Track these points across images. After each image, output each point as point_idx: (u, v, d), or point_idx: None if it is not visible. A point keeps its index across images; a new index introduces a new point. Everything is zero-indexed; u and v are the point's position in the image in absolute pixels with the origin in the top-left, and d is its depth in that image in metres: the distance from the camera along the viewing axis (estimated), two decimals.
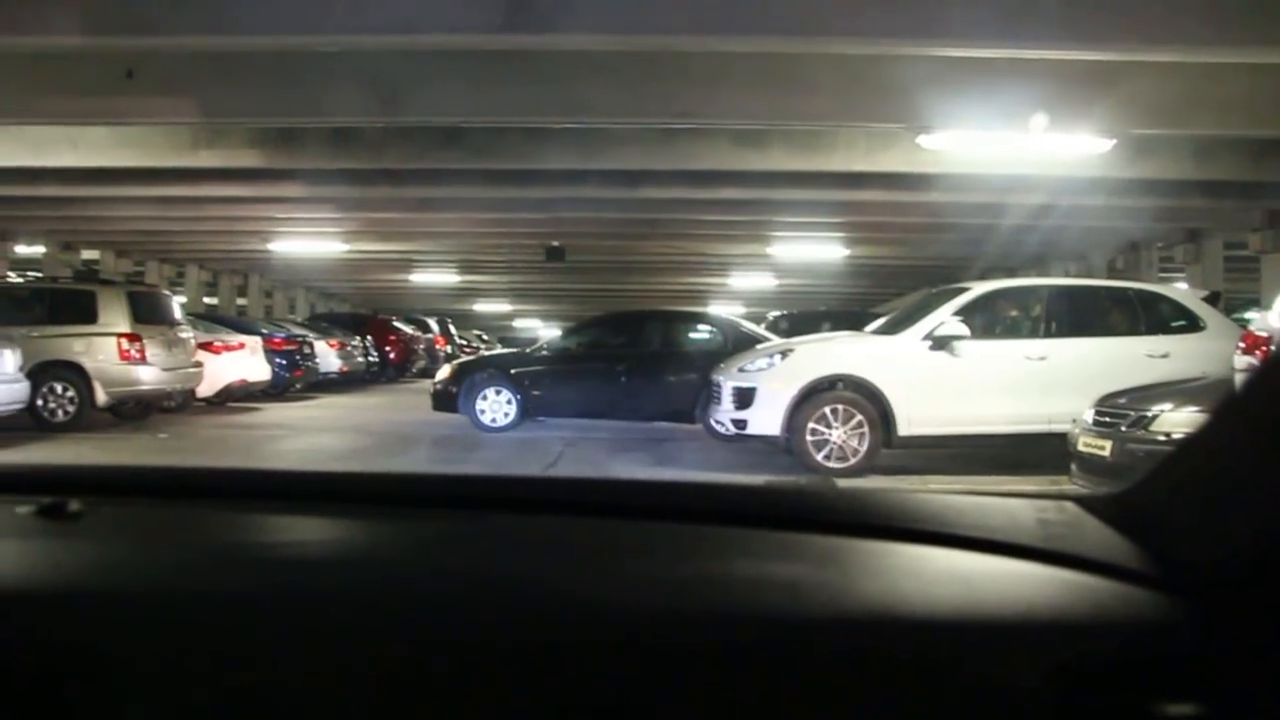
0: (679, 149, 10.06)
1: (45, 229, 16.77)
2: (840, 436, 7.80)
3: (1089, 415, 6.61)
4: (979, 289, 8.56)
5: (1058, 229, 13.90)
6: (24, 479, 1.06)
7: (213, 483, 1.08)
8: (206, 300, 22.43)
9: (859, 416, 7.76)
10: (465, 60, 7.32)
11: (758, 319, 21.82)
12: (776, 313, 20.26)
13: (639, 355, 10.78)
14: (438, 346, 23.18)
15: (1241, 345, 5.63)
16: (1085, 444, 6.52)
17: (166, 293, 12.84)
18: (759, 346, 9.29)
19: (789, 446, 7.89)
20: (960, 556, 0.80)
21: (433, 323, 23.94)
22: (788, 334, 18.40)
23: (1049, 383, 7.53)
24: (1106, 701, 0.64)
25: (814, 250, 17.59)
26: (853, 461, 7.76)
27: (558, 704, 0.64)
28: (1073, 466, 6.72)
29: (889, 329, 8.51)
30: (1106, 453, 6.25)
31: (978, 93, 6.87)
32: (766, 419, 7.94)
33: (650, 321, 11.66)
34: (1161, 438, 5.94)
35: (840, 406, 7.84)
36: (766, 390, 8.00)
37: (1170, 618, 0.69)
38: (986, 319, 8.24)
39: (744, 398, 8.13)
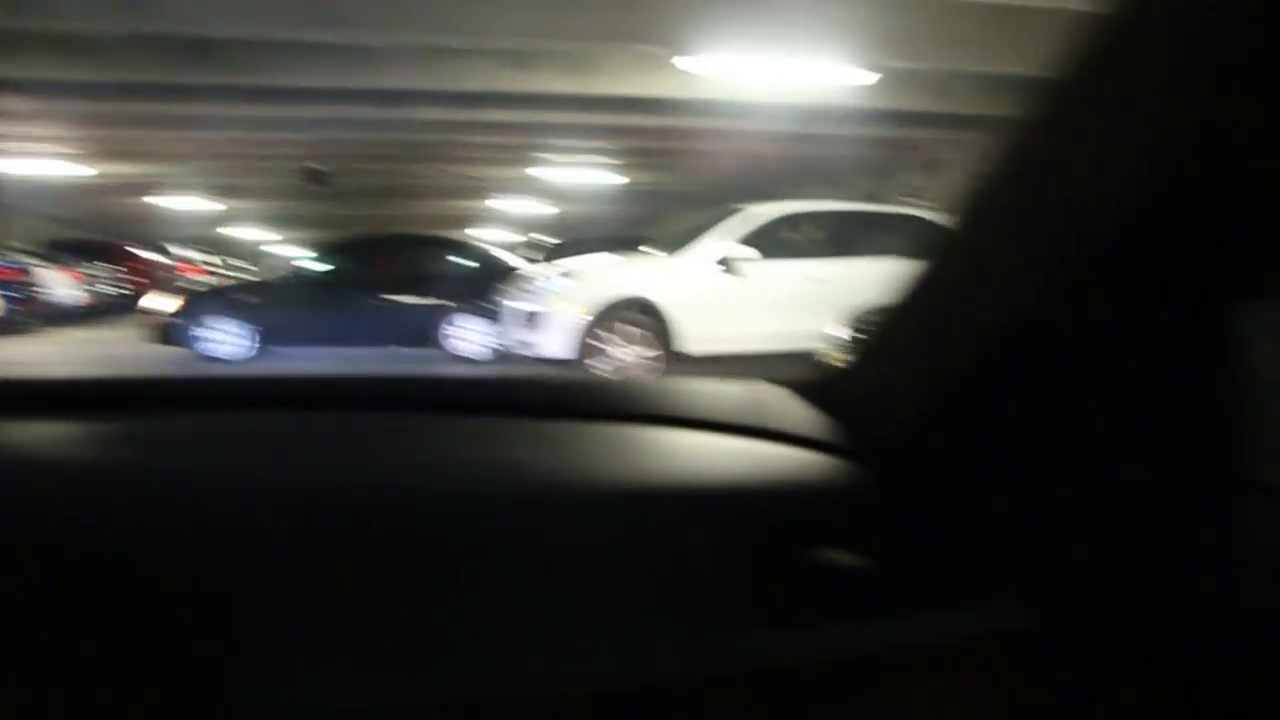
0: (446, 69, 9.81)
1: None
2: (627, 356, 7.86)
3: (844, 332, 6.99)
4: (763, 210, 8.71)
5: (814, 158, 14.52)
6: None
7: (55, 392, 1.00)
8: None
9: (647, 336, 7.88)
10: None
11: (535, 246, 21.79)
12: (555, 241, 20.29)
13: (381, 281, 10.46)
14: (190, 275, 21.83)
15: None
16: (839, 361, 6.88)
17: None
18: (544, 267, 9.21)
19: (575, 367, 7.87)
20: (655, 433, 0.84)
21: (189, 251, 22.47)
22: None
23: (824, 301, 7.61)
24: (772, 555, 0.70)
25: (585, 176, 17.62)
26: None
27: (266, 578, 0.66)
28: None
29: (672, 249, 8.56)
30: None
31: (739, 18, 7.05)
32: (556, 341, 7.92)
33: (395, 246, 11.35)
34: None
35: (628, 327, 7.91)
36: (556, 313, 7.97)
37: (848, 482, 0.76)
38: (770, 240, 8.38)
39: (533, 321, 8.09)
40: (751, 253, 8.10)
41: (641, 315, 7.94)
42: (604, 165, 17.09)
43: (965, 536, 0.72)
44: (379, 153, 15.55)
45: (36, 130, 13.69)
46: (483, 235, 31.84)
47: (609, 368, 7.81)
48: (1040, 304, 0.67)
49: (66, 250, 18.58)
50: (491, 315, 9.84)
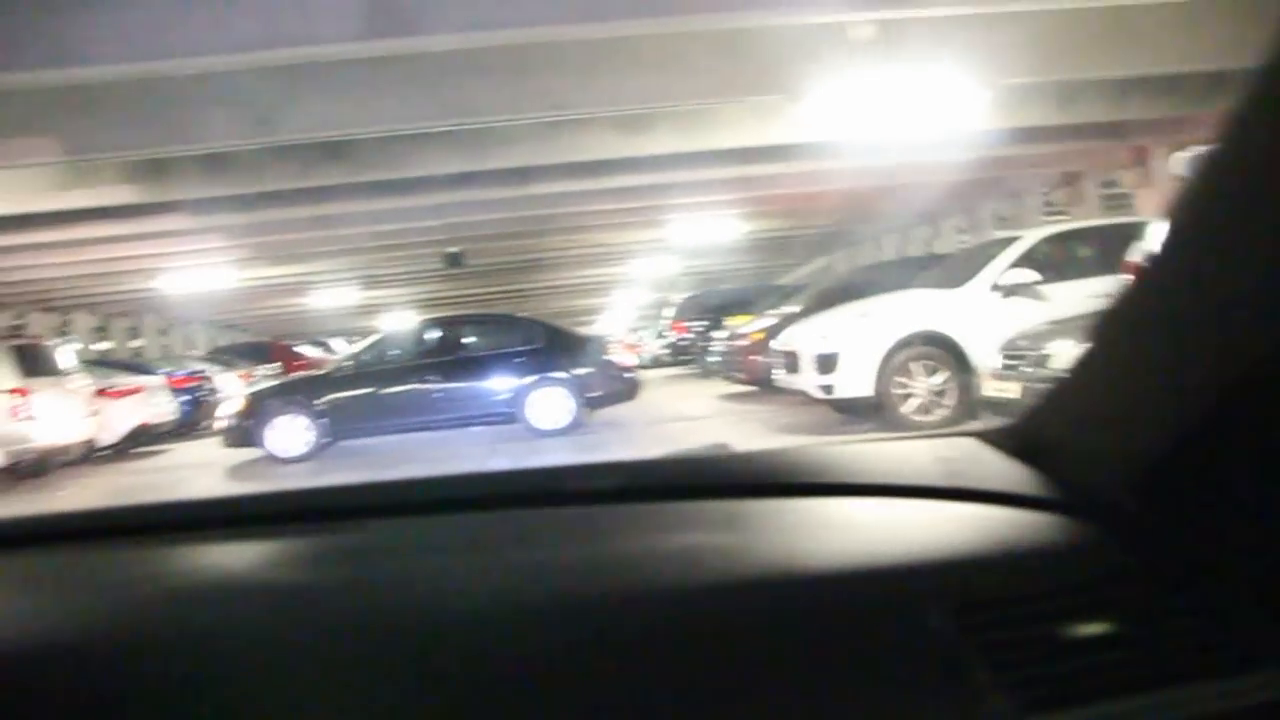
0: (564, 141, 10.03)
1: None
2: (925, 390, 8.08)
3: (997, 359, 6.78)
4: (1032, 235, 8.87)
5: (943, 185, 14.22)
6: None
7: (119, 520, 1.02)
8: (100, 345, 21.67)
9: (941, 370, 8.07)
10: (337, 71, 7.16)
11: (666, 304, 21.94)
12: (683, 295, 20.44)
13: (446, 363, 10.51)
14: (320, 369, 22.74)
15: (1125, 275, 5.82)
16: (995, 388, 6.68)
17: (52, 342, 12.35)
18: (832, 311, 9.19)
19: (877, 405, 8.12)
20: (858, 504, 0.79)
21: (337, 344, 23.54)
22: (698, 318, 18.59)
23: None
24: (1017, 632, 0.63)
25: (712, 230, 17.70)
26: (939, 414, 8.02)
27: (467, 694, 0.62)
28: (982, 412, 6.91)
29: (947, 282, 8.70)
30: (1017, 394, 6.40)
31: (850, 56, 6.97)
32: (854, 380, 8.19)
33: (454, 327, 11.39)
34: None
35: (922, 361, 8.12)
36: (851, 352, 8.21)
37: (1073, 541, 0.69)
38: (1047, 262, 8.50)
39: (827, 363, 8.33)
40: (1034, 276, 8.16)
41: (937, 349, 8.12)
42: (730, 216, 17.12)
43: (1221, 596, 0.64)
44: (510, 229, 15.98)
45: (192, 245, 14.60)
46: (620, 300, 32.39)
47: (909, 403, 8.07)
48: None
49: (232, 354, 19.73)
50: (567, 385, 10.18)
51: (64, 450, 11.09)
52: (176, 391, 14.05)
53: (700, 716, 0.61)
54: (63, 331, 20.01)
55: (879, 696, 0.61)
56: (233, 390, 16.30)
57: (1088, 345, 0.75)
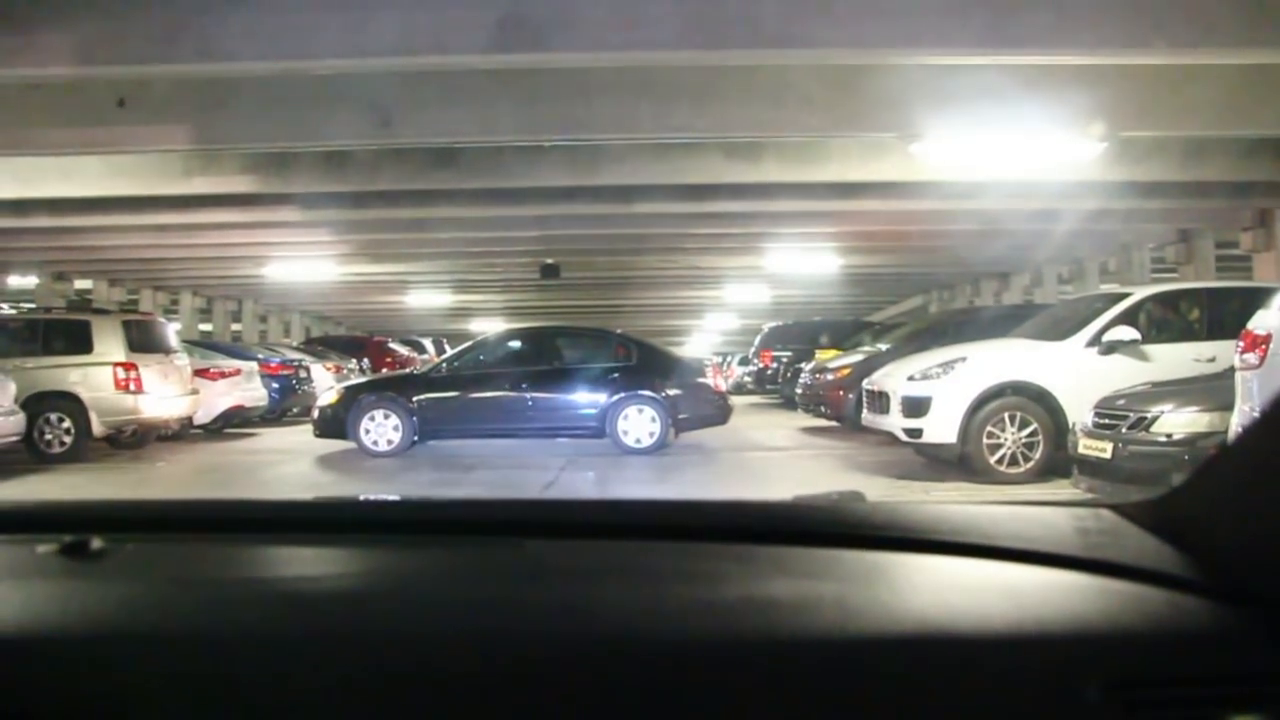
0: (672, 163, 10.08)
1: (38, 260, 16.73)
2: (1013, 442, 7.94)
3: (1089, 417, 6.63)
4: (1141, 293, 8.71)
5: (1049, 233, 13.94)
6: (43, 517, 1.04)
7: (234, 515, 1.06)
8: (201, 327, 22.39)
9: (1032, 423, 7.92)
10: (460, 80, 7.33)
11: (753, 330, 21.86)
12: (771, 324, 20.34)
13: (539, 373, 10.59)
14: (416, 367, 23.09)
15: (1240, 344, 5.64)
16: (1086, 446, 6.53)
17: (161, 320, 12.80)
18: (925, 354, 9.12)
19: (963, 453, 8.04)
20: (1004, 568, 0.79)
21: (428, 344, 23.91)
22: (783, 347, 18.46)
23: None
24: (1170, 714, 0.63)
25: (808, 260, 17.61)
26: (1026, 467, 7.89)
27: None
28: (1074, 469, 6.74)
29: (1047, 335, 8.58)
30: (1108, 454, 6.26)
31: (967, 99, 6.90)
32: (942, 426, 8.09)
33: (549, 338, 11.47)
34: (1162, 439, 5.95)
35: (1013, 413, 7.99)
36: (942, 398, 8.13)
37: (1227, 628, 0.68)
38: (1149, 322, 8.38)
39: (917, 406, 8.25)
40: (1134, 335, 8.02)
41: (1030, 401, 7.98)
42: (827, 249, 17.01)
43: None
44: (608, 246, 16.10)
45: (303, 237, 15.01)
46: (711, 323, 32.32)
47: (996, 454, 7.94)
48: None
49: (326, 345, 20.18)
50: (655, 405, 10.22)
51: (164, 424, 11.47)
52: (270, 378, 14.42)
53: None
54: (171, 310, 20.73)
55: None
56: (323, 381, 16.77)
57: (1249, 429, 0.73)
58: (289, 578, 0.89)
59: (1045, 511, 0.91)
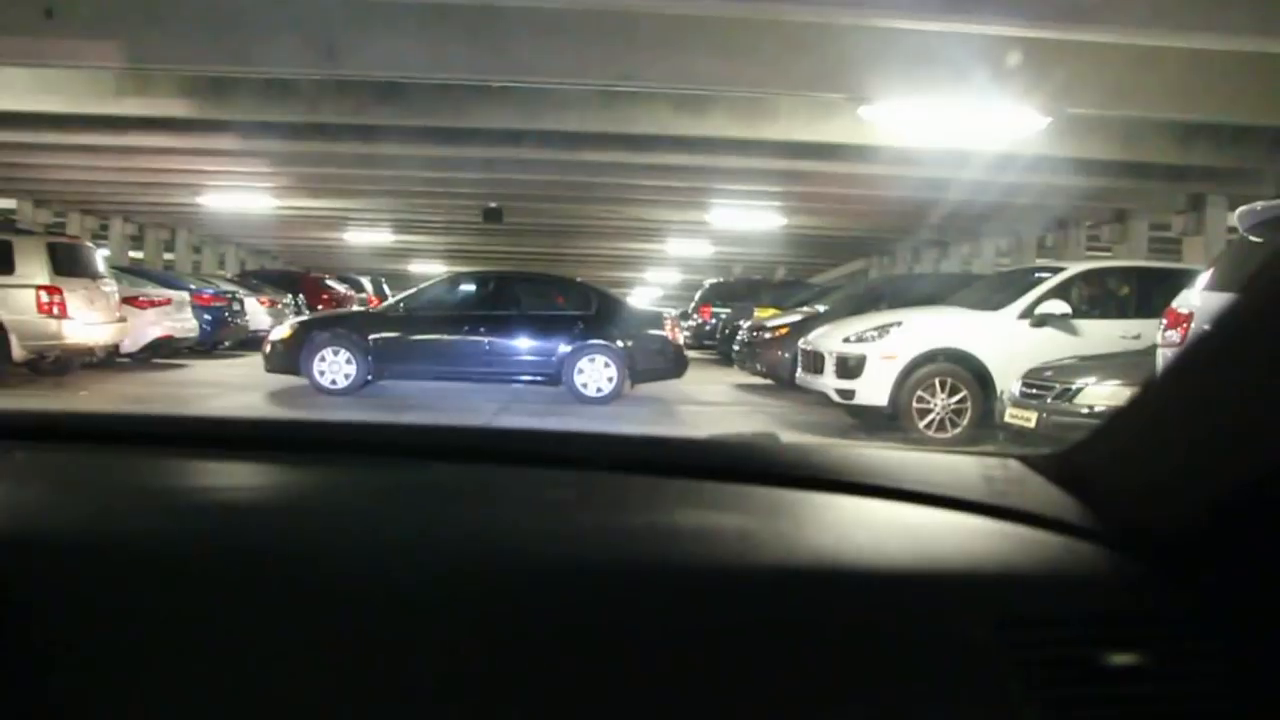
0: (620, 112, 10.00)
1: None
2: (943, 407, 8.08)
3: (1016, 387, 6.78)
4: (1074, 268, 8.90)
5: (989, 205, 14.12)
6: None
7: (132, 426, 1.04)
8: (132, 254, 21.82)
9: (962, 390, 8.07)
10: (406, 13, 7.16)
11: (694, 285, 21.94)
12: (711, 280, 20.41)
13: (498, 316, 10.52)
14: (372, 306, 22.88)
15: (1164, 322, 5.79)
16: (1012, 415, 6.69)
17: (89, 245, 12.44)
18: (861, 317, 9.20)
19: (894, 415, 8.13)
20: (908, 510, 0.80)
21: (366, 282, 23.61)
22: (722, 303, 18.56)
23: None
24: (1053, 652, 0.64)
25: (752, 218, 17.67)
26: (954, 432, 8.01)
27: (504, 654, 0.63)
28: (1000, 436, 6.91)
29: (981, 305, 8.71)
30: (1032, 424, 6.41)
31: (918, 65, 6.92)
32: (874, 389, 8.19)
33: (507, 283, 11.35)
34: (1085, 410, 6.10)
35: (944, 379, 8.12)
36: (876, 360, 8.21)
37: (1117, 572, 0.70)
38: (1081, 298, 8.55)
39: (851, 368, 8.33)
40: (1065, 309, 8.19)
41: (961, 368, 8.12)
42: (772, 209, 17.06)
43: (1261, 642, 0.65)
44: (553, 193, 15.98)
45: (240, 167, 14.66)
46: (652, 276, 32.33)
47: (926, 418, 8.08)
48: None
49: (261, 279, 19.82)
50: (613, 355, 10.22)
51: (88, 351, 11.19)
52: (201, 309, 14.14)
53: (732, 698, 0.62)
54: (99, 235, 20.16)
55: (912, 698, 0.63)
56: (257, 314, 16.50)
57: (1147, 383, 0.76)
58: (196, 489, 0.87)
59: (954, 458, 0.94)
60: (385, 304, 11.77)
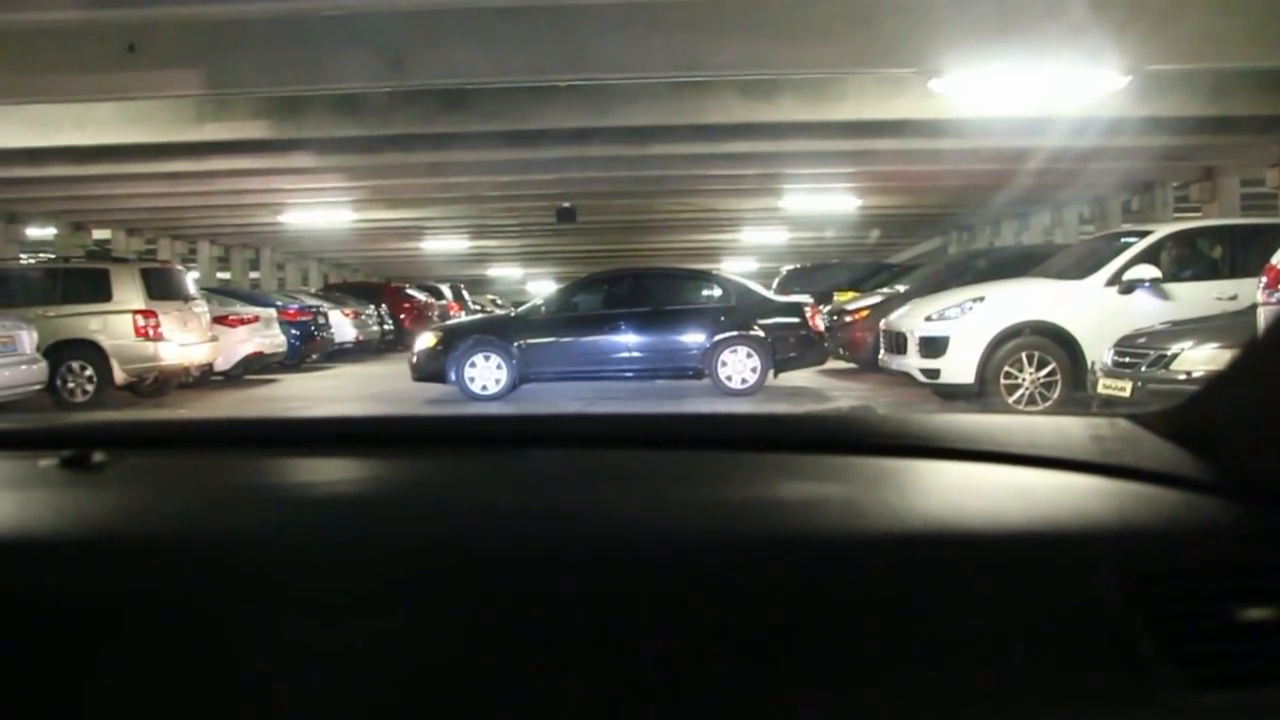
0: (687, 103, 9.97)
1: (55, 210, 16.78)
2: (1031, 381, 7.94)
3: (1108, 356, 6.58)
4: (1162, 231, 8.63)
5: (1071, 171, 13.74)
6: (45, 434, 1.05)
7: (235, 431, 1.07)
8: (220, 275, 22.47)
9: (1051, 362, 7.91)
10: (470, 20, 7.25)
11: (771, 273, 21.80)
12: (790, 266, 20.21)
13: (639, 313, 10.54)
14: (452, 313, 23.22)
15: (1263, 280, 5.57)
16: (1105, 385, 6.50)
17: (179, 268, 12.85)
18: (942, 294, 9.04)
19: (981, 393, 7.97)
20: (1016, 472, 0.79)
21: (446, 289, 23.94)
22: (804, 290, 18.43)
23: None
24: (1184, 607, 0.63)
25: (826, 202, 17.46)
26: (1044, 406, 7.86)
27: (619, 630, 0.64)
28: (1093, 408, 6.72)
29: (1066, 274, 8.51)
30: (1127, 393, 6.23)
31: (988, 32, 6.77)
32: (959, 366, 8.08)
33: (648, 279, 11.41)
34: (1182, 376, 5.90)
35: (1031, 352, 7.97)
36: (959, 337, 8.10)
37: (1239, 525, 0.69)
38: (1171, 261, 8.30)
39: (934, 347, 8.23)
40: (1155, 273, 7.96)
41: (1048, 340, 7.96)
42: (847, 190, 16.84)
43: None
44: (625, 189, 16.01)
45: (318, 183, 14.98)
46: (729, 266, 32.23)
47: (1015, 394, 7.90)
48: None
49: (343, 292, 20.24)
50: (755, 345, 10.16)
51: (184, 372, 11.55)
52: (288, 324, 14.48)
53: (855, 663, 0.61)
54: (188, 259, 20.80)
55: (1043, 658, 0.61)
56: (341, 326, 16.85)
57: (1257, 335, 0.75)
58: (297, 486, 0.89)
59: (1060, 420, 0.92)
60: (526, 307, 11.81)
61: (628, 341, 10.40)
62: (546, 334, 10.50)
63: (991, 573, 0.65)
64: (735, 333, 10.29)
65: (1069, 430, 0.89)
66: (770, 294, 11.33)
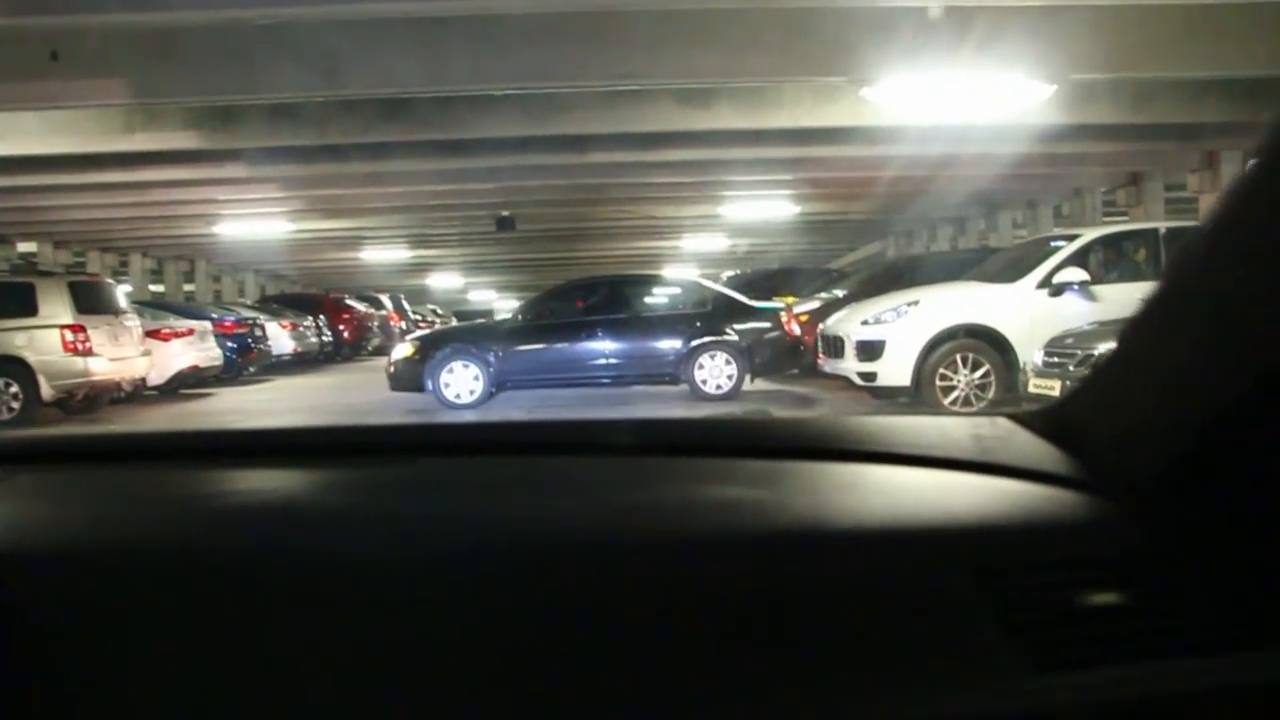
0: (625, 111, 10.00)
1: None
2: (966, 383, 8.08)
3: (1039, 357, 6.75)
4: (1089, 235, 8.86)
5: (1003, 177, 14.02)
6: None
7: (137, 445, 1.05)
8: (153, 288, 22.03)
9: (985, 364, 8.05)
10: (406, 29, 7.20)
11: (712, 280, 21.89)
12: (729, 273, 20.34)
13: (615, 320, 10.59)
14: (392, 323, 23.01)
15: None
16: (1036, 385, 6.67)
17: (109, 281, 12.57)
18: (879, 299, 9.14)
19: (917, 395, 8.12)
20: (891, 471, 0.82)
21: (385, 299, 23.73)
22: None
23: None
24: (1031, 598, 0.66)
25: (764, 209, 17.62)
26: (979, 407, 8.02)
27: (503, 631, 0.65)
28: (1024, 407, 6.86)
29: (998, 278, 8.67)
30: (1056, 392, 6.38)
31: (917, 42, 6.89)
32: (896, 369, 8.20)
33: (624, 286, 11.49)
34: None
35: (966, 354, 8.13)
36: (896, 341, 8.21)
37: (1093, 518, 0.72)
38: (1099, 263, 8.51)
39: (871, 350, 8.34)
40: (1083, 276, 8.16)
41: (982, 343, 8.12)
42: (784, 197, 17.01)
43: (1237, 578, 0.67)
44: (564, 198, 16.00)
45: (253, 194, 14.77)
46: (670, 274, 32.33)
47: (950, 395, 8.06)
48: None
49: (281, 303, 19.97)
50: (732, 351, 10.25)
51: (115, 387, 11.31)
52: (224, 337, 14.26)
53: (724, 656, 0.63)
54: (119, 272, 20.37)
55: (893, 648, 0.64)
56: (279, 339, 16.61)
57: (1124, 335, 0.78)
58: (210, 496, 0.88)
59: (944, 421, 0.96)
60: (503, 316, 11.80)
61: (604, 348, 10.42)
62: (523, 341, 10.49)
63: (847, 568, 0.67)
64: (712, 338, 10.38)
65: (950, 430, 0.92)
66: (746, 300, 11.42)
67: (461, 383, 10.21)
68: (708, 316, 10.59)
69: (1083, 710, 0.63)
